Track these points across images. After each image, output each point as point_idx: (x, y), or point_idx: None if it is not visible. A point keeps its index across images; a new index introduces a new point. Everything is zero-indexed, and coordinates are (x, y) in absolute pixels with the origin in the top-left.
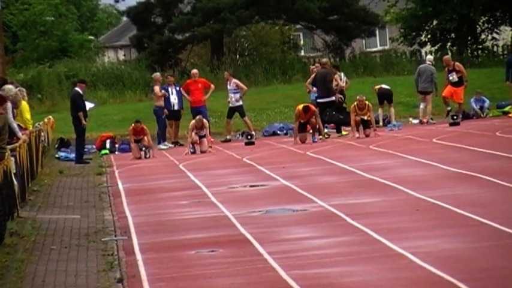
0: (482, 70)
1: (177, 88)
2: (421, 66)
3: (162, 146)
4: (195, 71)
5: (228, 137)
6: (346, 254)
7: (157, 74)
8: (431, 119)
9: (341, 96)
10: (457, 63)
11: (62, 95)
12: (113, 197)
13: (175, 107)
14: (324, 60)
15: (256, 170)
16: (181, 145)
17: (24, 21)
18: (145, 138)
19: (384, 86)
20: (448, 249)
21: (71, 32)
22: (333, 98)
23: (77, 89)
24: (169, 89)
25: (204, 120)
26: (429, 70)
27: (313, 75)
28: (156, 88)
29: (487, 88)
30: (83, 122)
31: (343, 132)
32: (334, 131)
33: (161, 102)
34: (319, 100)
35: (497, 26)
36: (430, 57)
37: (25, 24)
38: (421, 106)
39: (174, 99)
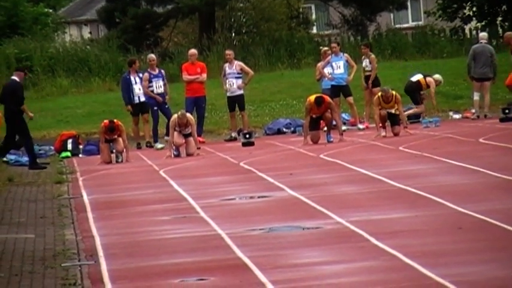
0: None
1: (140, 75)
2: (476, 46)
3: (158, 146)
4: (193, 51)
5: (233, 134)
6: (369, 283)
7: (152, 56)
8: (486, 114)
9: None
10: None
11: None
12: (76, 212)
13: (141, 99)
14: None
15: (256, 177)
16: (151, 146)
17: None
18: (120, 139)
19: (413, 78)
20: (498, 278)
21: (23, 4)
22: None
23: (15, 78)
24: (132, 78)
25: (189, 115)
26: (488, 51)
27: (328, 58)
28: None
29: None
30: (30, 113)
31: None
32: (354, 127)
33: (149, 91)
34: None
35: None
36: (484, 34)
37: None
38: (476, 97)
39: (138, 89)
